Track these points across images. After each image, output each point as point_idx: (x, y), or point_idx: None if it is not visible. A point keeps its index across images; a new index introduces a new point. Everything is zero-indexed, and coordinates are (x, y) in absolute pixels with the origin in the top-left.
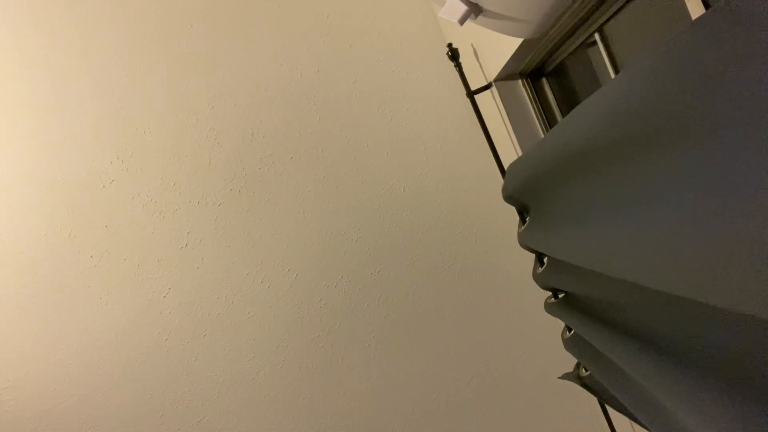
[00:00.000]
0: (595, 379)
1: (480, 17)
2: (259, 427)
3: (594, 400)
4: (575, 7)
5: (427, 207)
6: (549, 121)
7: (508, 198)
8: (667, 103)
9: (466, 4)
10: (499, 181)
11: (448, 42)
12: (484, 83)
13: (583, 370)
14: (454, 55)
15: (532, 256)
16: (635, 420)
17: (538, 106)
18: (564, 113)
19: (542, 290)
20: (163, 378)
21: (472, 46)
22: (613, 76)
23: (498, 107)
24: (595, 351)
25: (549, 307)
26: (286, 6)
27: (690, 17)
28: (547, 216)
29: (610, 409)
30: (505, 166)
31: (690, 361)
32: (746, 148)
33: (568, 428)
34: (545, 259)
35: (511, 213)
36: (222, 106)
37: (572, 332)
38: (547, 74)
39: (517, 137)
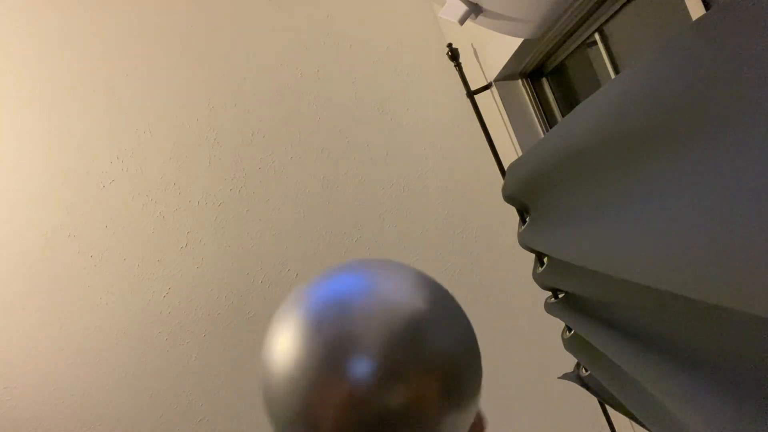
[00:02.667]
0: (595, 379)
1: (480, 17)
2: (259, 427)
3: (594, 400)
4: (575, 7)
5: (427, 207)
6: (549, 121)
7: (508, 198)
8: (667, 103)
9: (466, 4)
10: (499, 181)
11: (448, 42)
12: (484, 83)
13: (583, 370)
14: (454, 55)
15: (532, 256)
16: (635, 420)
17: (538, 106)
18: (564, 113)
19: (542, 290)
20: (163, 378)
21: (472, 46)
22: (613, 76)
23: (498, 107)
24: (595, 351)
25: (549, 307)
26: (286, 6)
27: (690, 17)
28: (547, 216)
29: (610, 409)
30: (505, 166)
31: (690, 360)
32: (746, 148)
33: (568, 428)
34: (545, 259)
35: (511, 213)
36: (222, 106)
37: (572, 332)
38: (547, 74)
39: (517, 137)
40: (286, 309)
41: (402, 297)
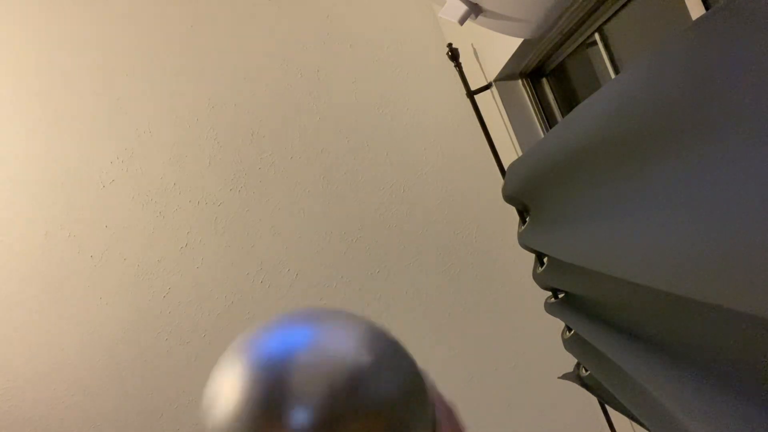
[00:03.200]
0: (595, 379)
1: (480, 17)
2: None
3: (594, 400)
4: (575, 7)
5: (427, 207)
6: (549, 121)
7: (508, 198)
8: (667, 103)
9: (466, 4)
10: (499, 181)
11: (448, 42)
12: (484, 83)
13: (583, 370)
14: (454, 55)
15: (532, 256)
16: (635, 420)
17: (538, 106)
18: (564, 113)
19: (542, 290)
20: (163, 378)
21: (472, 46)
22: (613, 76)
23: (498, 107)
24: (595, 351)
25: (549, 307)
26: (286, 6)
27: (690, 17)
28: (547, 216)
29: (610, 409)
30: (505, 166)
31: (689, 360)
32: (746, 148)
33: (568, 428)
34: (545, 259)
35: (511, 213)
36: (222, 106)
37: (572, 332)
38: (547, 74)
39: (517, 137)
40: (228, 357)
41: (343, 349)
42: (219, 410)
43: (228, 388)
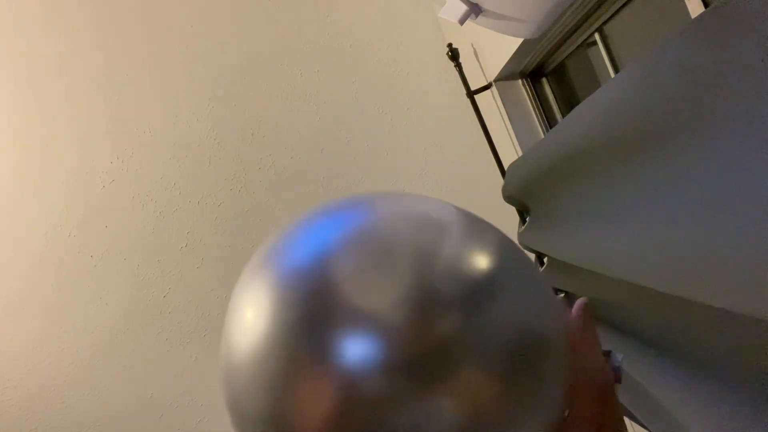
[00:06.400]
0: None
1: (480, 17)
2: None
3: None
4: (575, 7)
5: None
6: (549, 121)
7: (508, 198)
8: (667, 103)
9: (466, 4)
10: (499, 181)
11: (448, 42)
12: (484, 83)
13: None
14: (454, 55)
15: (532, 256)
16: (634, 419)
17: (538, 106)
18: (564, 113)
19: None
20: (163, 378)
21: (472, 46)
22: (613, 76)
23: (498, 107)
24: None
25: None
26: (286, 6)
27: (690, 17)
28: (547, 216)
29: None
30: (505, 166)
31: (689, 360)
32: (746, 148)
33: None
34: (545, 259)
35: (511, 213)
36: (222, 106)
37: None
38: (547, 74)
39: (517, 137)
40: (250, 269)
41: (405, 235)
42: (241, 344)
43: (251, 311)
